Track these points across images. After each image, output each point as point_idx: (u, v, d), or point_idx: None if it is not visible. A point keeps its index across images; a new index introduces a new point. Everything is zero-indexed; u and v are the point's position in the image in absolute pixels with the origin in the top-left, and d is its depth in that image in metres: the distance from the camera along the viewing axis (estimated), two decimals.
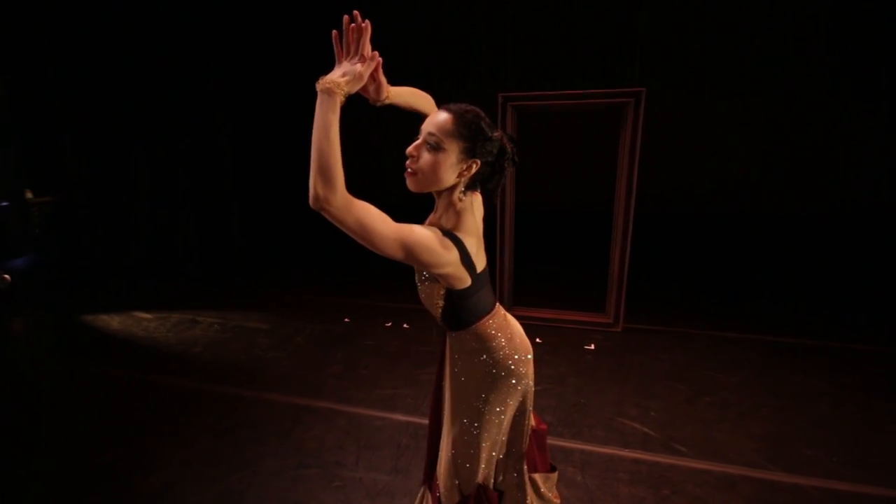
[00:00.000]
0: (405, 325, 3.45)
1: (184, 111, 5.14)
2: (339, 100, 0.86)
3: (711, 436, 2.24)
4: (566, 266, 4.97)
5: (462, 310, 1.13)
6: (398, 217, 0.95)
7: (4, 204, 5.03)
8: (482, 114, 1.07)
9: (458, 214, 1.10)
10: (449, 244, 1.02)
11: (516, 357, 1.18)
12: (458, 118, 1.03)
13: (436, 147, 1.02)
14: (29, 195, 5.18)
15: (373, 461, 2.06)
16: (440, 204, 1.13)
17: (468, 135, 1.02)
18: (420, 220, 1.12)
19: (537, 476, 1.32)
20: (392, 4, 6.90)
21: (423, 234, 0.97)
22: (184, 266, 5.10)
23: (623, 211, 3.18)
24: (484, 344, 1.16)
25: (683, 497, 1.86)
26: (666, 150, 5.96)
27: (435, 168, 1.03)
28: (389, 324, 3.49)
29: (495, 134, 1.06)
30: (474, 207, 1.15)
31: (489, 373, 1.17)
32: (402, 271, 1.36)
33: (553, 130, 6.08)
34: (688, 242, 5.85)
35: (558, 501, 1.35)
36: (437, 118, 1.03)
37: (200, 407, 2.51)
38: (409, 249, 0.93)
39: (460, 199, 1.08)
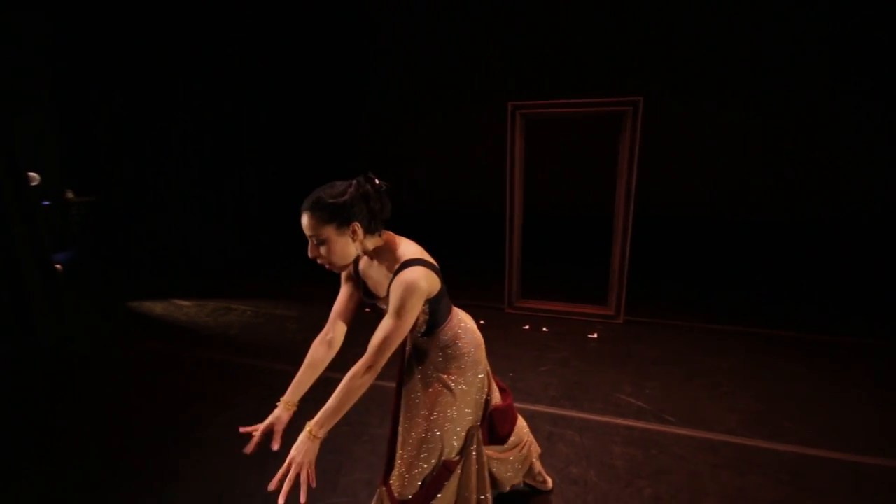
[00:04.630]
0: None
1: (211, 115, 5.52)
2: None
3: (699, 409, 2.48)
4: (572, 265, 5.23)
5: (439, 310, 1.32)
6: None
7: (46, 203, 5.45)
8: (325, 192, 1.17)
9: (393, 245, 1.26)
10: (429, 274, 1.21)
11: (473, 349, 1.41)
12: (314, 212, 1.15)
13: (321, 242, 1.18)
14: (70, 195, 5.61)
15: None
16: (375, 258, 1.30)
17: (329, 216, 1.15)
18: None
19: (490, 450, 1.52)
20: (406, 21, 7.32)
21: (415, 299, 1.17)
22: (215, 261, 5.46)
23: (623, 211, 3.44)
24: (452, 340, 1.37)
25: (669, 455, 2.11)
26: (664, 155, 6.27)
27: (336, 253, 1.19)
28: None
29: (349, 194, 1.17)
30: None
31: (459, 362, 1.38)
32: None
33: (560, 137, 6.39)
34: (685, 244, 6.12)
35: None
36: (303, 222, 1.17)
37: (241, 377, 2.83)
38: (419, 308, 1.21)
39: (377, 241, 1.25)
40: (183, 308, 4.01)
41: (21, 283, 3.30)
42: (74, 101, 5.08)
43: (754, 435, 2.27)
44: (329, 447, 2.15)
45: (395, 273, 1.21)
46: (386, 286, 1.25)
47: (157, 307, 4.03)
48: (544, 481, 1.86)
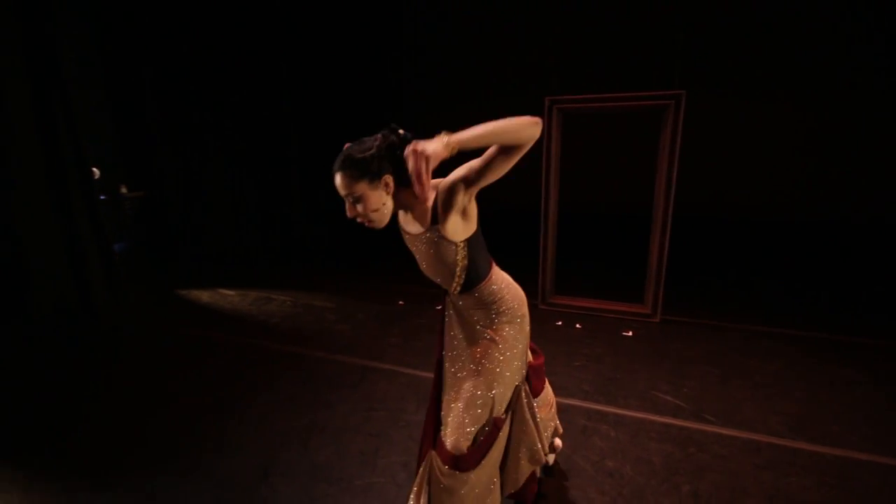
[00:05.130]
0: None
1: (253, 113, 5.73)
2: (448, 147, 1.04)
3: (741, 410, 2.42)
4: (607, 264, 5.15)
5: (478, 260, 1.31)
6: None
7: (102, 198, 5.80)
8: (353, 149, 1.18)
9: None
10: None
11: (517, 304, 1.43)
12: (346, 171, 1.17)
13: (358, 199, 1.19)
14: (123, 190, 5.96)
15: None
16: (411, 209, 1.27)
17: (360, 172, 1.16)
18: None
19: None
20: (443, 16, 7.38)
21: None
22: (256, 253, 5.69)
23: (662, 206, 3.38)
24: (496, 295, 1.38)
25: (708, 454, 2.08)
26: (702, 151, 6.10)
27: (373, 210, 1.20)
28: (440, 307, 3.83)
29: (375, 147, 1.17)
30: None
31: (505, 317, 1.39)
32: None
33: (597, 133, 6.31)
34: (723, 243, 5.93)
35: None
36: (337, 182, 1.19)
37: (281, 362, 2.95)
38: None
39: (411, 193, 1.21)
40: (227, 297, 4.21)
41: (85, 271, 3.55)
42: (127, 103, 5.40)
43: (797, 437, 2.20)
44: (368, 431, 2.24)
45: (437, 194, 1.20)
46: (428, 216, 1.24)
47: (203, 295, 4.25)
48: (556, 434, 1.89)
